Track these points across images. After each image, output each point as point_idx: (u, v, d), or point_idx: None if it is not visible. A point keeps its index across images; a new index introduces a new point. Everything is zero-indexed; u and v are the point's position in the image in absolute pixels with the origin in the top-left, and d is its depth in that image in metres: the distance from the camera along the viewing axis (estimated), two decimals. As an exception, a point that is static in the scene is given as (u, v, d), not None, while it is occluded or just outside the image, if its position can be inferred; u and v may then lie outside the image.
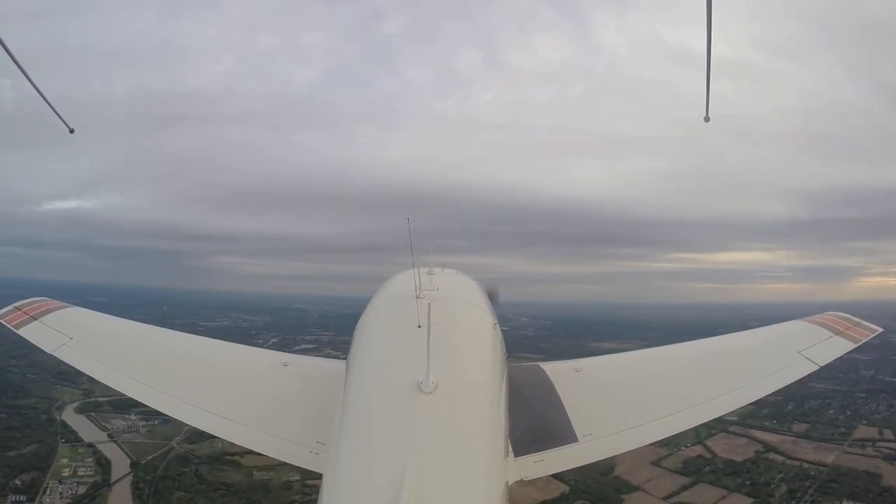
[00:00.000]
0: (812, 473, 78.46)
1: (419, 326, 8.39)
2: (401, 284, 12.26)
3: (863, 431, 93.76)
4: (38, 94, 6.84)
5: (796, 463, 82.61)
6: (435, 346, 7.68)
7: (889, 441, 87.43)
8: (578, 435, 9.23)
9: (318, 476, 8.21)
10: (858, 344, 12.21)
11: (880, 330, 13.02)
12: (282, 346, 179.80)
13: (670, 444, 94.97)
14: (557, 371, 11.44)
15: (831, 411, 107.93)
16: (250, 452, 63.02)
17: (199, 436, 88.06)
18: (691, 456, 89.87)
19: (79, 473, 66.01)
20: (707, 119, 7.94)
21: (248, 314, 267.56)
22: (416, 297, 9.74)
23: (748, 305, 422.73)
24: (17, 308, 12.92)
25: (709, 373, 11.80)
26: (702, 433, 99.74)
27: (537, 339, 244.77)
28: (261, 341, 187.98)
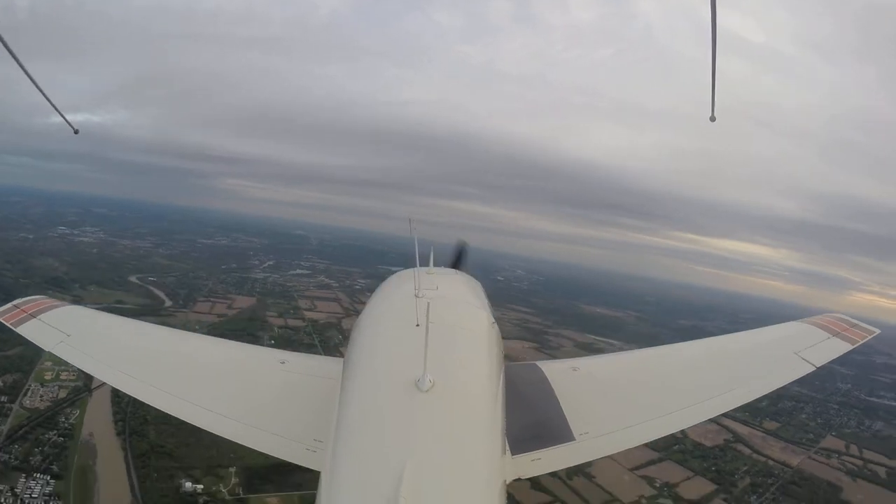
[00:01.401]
0: (776, 472, 79.75)
1: (417, 325, 8.42)
2: (400, 283, 12.21)
3: (831, 441, 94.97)
4: (41, 94, 6.79)
5: (762, 459, 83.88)
6: (433, 344, 7.66)
7: (854, 456, 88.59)
8: (575, 433, 9.23)
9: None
10: (856, 345, 12.01)
11: (878, 331, 12.59)
12: (276, 269, 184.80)
13: None
14: (554, 370, 11.34)
15: (803, 415, 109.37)
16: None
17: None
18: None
19: (61, 377, 66.23)
20: (713, 119, 7.69)
21: (248, 235, 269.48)
22: (416, 296, 9.82)
23: (742, 297, 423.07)
24: (16, 306, 12.86)
25: (705, 373, 11.74)
26: None
27: (530, 293, 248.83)
28: (256, 262, 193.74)
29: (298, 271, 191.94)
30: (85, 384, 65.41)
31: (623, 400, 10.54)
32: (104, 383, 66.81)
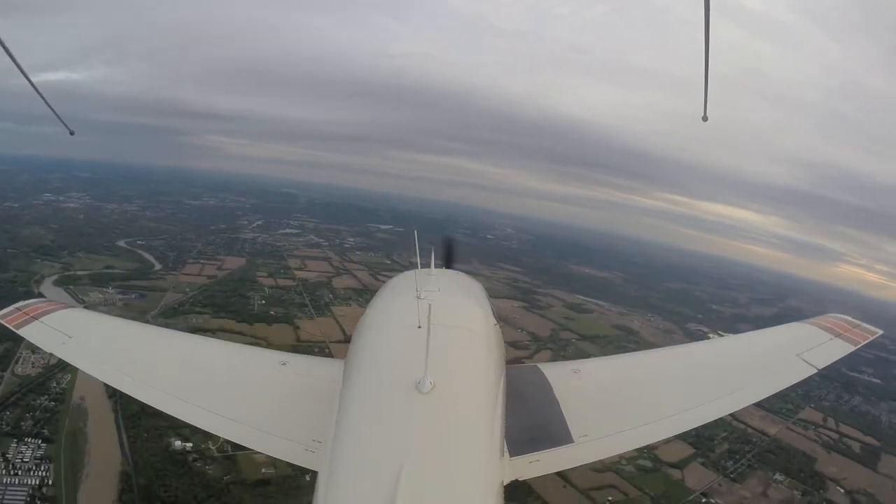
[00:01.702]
0: (754, 440, 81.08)
1: (419, 327, 8.40)
2: (402, 285, 12.06)
3: (809, 413, 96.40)
4: (39, 96, 6.90)
5: (741, 426, 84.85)
6: (434, 346, 7.66)
7: (830, 429, 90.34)
8: (574, 436, 9.17)
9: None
10: (858, 346, 11.98)
11: (880, 332, 12.62)
12: (266, 230, 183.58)
13: None
14: (555, 372, 11.18)
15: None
16: (223, 330, 63.92)
17: (175, 311, 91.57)
18: None
19: (50, 343, 66.09)
20: (705, 119, 7.85)
21: (235, 195, 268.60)
22: (417, 297, 9.77)
23: (730, 262, 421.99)
24: (19, 308, 12.86)
25: (707, 375, 11.62)
26: None
27: (520, 252, 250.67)
28: (245, 222, 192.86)
29: (287, 230, 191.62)
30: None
31: (623, 403, 10.54)
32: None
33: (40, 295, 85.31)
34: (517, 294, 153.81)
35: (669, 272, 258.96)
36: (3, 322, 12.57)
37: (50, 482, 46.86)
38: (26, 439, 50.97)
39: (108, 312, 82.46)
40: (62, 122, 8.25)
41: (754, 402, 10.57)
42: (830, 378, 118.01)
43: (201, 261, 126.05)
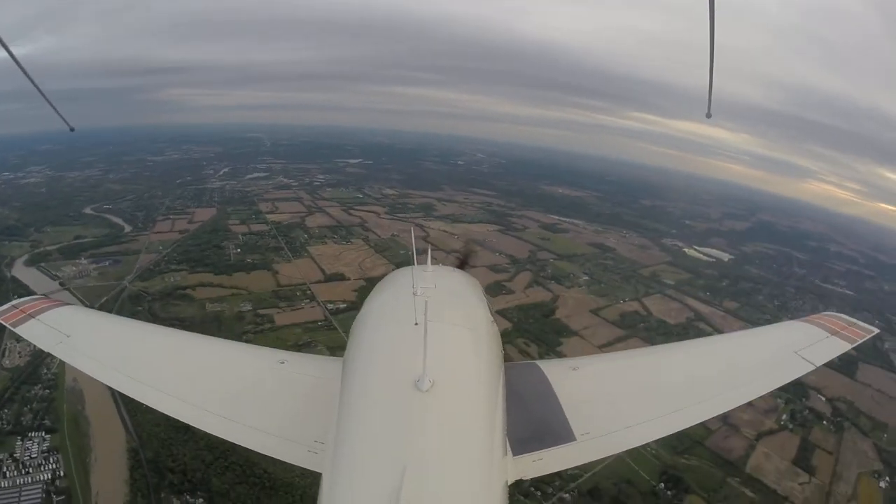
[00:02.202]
0: None
1: (416, 324, 8.26)
2: (398, 282, 11.76)
3: None
4: (39, 93, 6.93)
5: None
6: (432, 344, 7.59)
7: None
8: (576, 434, 9.10)
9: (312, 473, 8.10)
10: (854, 344, 11.99)
11: (876, 331, 12.60)
12: (232, 176, 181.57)
13: (610, 295, 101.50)
14: (554, 370, 11.06)
15: (760, 297, 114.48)
16: (202, 285, 63.37)
17: (151, 272, 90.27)
18: (628, 310, 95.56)
19: (34, 329, 65.06)
20: (709, 115, 7.87)
21: (199, 146, 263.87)
22: (414, 294, 9.73)
23: (702, 179, 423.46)
24: (15, 306, 12.59)
25: (705, 372, 11.47)
26: (640, 290, 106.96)
27: (492, 175, 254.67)
28: (211, 171, 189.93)
29: (255, 175, 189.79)
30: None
31: (624, 400, 10.47)
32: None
33: (13, 280, 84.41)
34: (492, 218, 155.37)
35: (642, 190, 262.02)
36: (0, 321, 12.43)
37: (61, 473, 47.12)
38: (30, 434, 50.87)
39: (82, 285, 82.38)
40: (62, 118, 8.20)
41: (753, 398, 10.58)
42: (805, 289, 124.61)
43: (171, 216, 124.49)
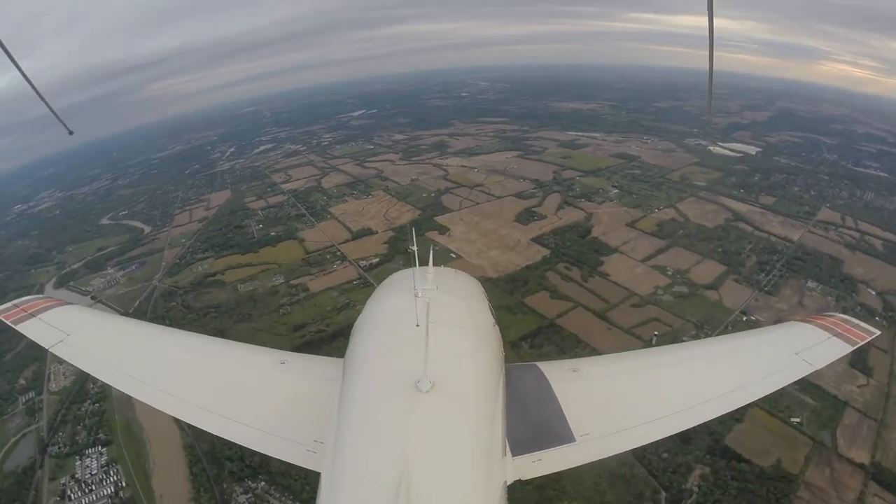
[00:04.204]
0: (779, 248, 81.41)
1: (417, 325, 8.58)
2: (400, 283, 12.08)
3: (826, 214, 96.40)
4: (38, 96, 7.42)
5: (764, 235, 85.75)
6: (433, 345, 7.72)
7: (850, 228, 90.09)
8: (576, 435, 9.12)
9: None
10: (856, 346, 11.55)
11: (878, 333, 12.15)
12: (240, 154, 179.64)
13: (643, 205, 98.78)
14: (555, 371, 10.92)
15: (796, 188, 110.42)
16: (231, 268, 61.77)
17: (178, 266, 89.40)
18: (665, 219, 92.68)
19: (77, 345, 65.24)
20: (709, 123, 9.55)
21: (199, 132, 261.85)
22: (415, 295, 9.62)
23: (713, 73, 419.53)
24: (16, 305, 12.79)
25: (706, 373, 11.32)
26: (673, 196, 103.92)
27: (499, 102, 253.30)
28: (218, 155, 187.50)
29: (262, 148, 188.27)
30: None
31: (623, 401, 10.34)
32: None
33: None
34: (508, 145, 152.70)
35: (655, 93, 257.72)
36: (1, 318, 12.46)
37: (123, 483, 46.72)
38: (87, 451, 50.35)
39: (113, 294, 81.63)
40: (61, 121, 8.29)
41: (753, 400, 10.30)
42: (839, 175, 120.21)
43: (188, 208, 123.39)
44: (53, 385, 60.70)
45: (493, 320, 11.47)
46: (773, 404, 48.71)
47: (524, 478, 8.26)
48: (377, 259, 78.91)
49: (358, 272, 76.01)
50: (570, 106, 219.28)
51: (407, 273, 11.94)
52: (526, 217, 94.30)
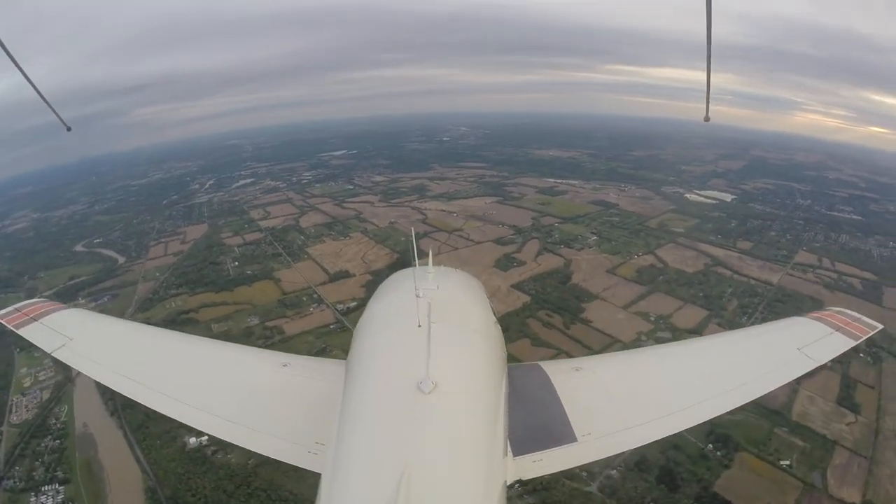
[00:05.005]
0: (760, 291, 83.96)
1: (419, 326, 8.62)
2: (401, 284, 11.91)
3: (803, 256, 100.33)
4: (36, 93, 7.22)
5: (744, 279, 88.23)
6: (435, 345, 7.83)
7: (828, 269, 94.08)
8: (577, 435, 9.00)
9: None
10: (859, 341, 11.65)
11: (881, 327, 12.28)
12: (219, 187, 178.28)
13: (622, 252, 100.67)
14: (557, 370, 10.85)
15: (772, 233, 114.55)
16: (205, 305, 61.51)
17: (151, 301, 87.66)
18: (644, 265, 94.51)
19: (40, 379, 64.77)
20: (707, 119, 8.38)
21: (180, 162, 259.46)
22: (416, 296, 9.73)
23: (690, 123, 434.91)
24: (17, 309, 12.70)
25: (708, 371, 11.22)
26: (652, 243, 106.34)
27: (479, 147, 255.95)
28: (197, 186, 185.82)
29: (241, 182, 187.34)
30: (66, 376, 63.60)
31: (625, 400, 10.19)
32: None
33: (11, 333, 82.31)
34: (488, 190, 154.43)
35: (631, 142, 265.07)
36: (2, 321, 12.37)
37: None
38: (43, 488, 49.02)
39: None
40: (59, 117, 8.26)
41: (757, 396, 10.21)
42: (813, 220, 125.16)
43: (163, 240, 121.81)
44: (15, 417, 59.48)
45: (494, 319, 11.44)
46: (762, 447, 49.73)
47: (525, 478, 8.25)
48: (354, 303, 77.97)
49: (335, 316, 75.33)
50: (549, 153, 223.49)
51: (407, 273, 12.06)
52: (505, 263, 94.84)
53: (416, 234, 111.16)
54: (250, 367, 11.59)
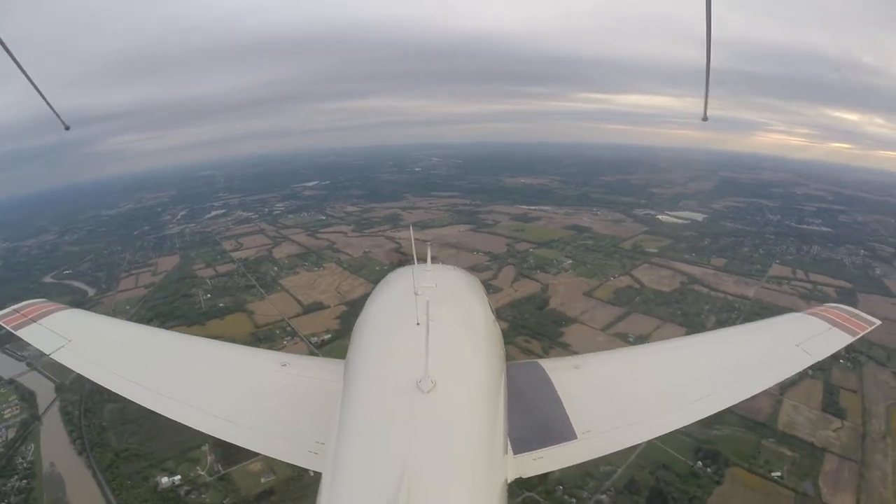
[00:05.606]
0: (737, 305, 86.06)
1: (418, 324, 8.54)
2: (399, 281, 12.00)
3: (777, 269, 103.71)
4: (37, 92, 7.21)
5: (720, 295, 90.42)
6: (433, 343, 7.68)
7: (802, 280, 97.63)
8: (577, 432, 9.12)
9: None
10: (857, 337, 11.88)
11: (879, 322, 12.61)
12: (191, 218, 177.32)
13: (598, 274, 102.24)
14: (556, 368, 10.99)
15: (745, 249, 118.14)
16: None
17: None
18: (621, 286, 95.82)
19: (5, 416, 62.89)
20: (705, 119, 8.53)
21: (152, 192, 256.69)
22: (415, 294, 9.71)
23: (657, 148, 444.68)
24: (16, 310, 12.62)
25: (707, 367, 11.51)
26: (627, 264, 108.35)
27: (451, 177, 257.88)
28: (168, 217, 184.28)
29: (214, 213, 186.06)
30: (32, 414, 62.26)
31: (625, 397, 10.32)
32: (50, 404, 63.85)
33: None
34: (461, 218, 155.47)
35: (601, 168, 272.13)
36: (1, 323, 12.31)
37: None
38: None
39: (49, 362, 77.95)
40: (58, 116, 8.25)
41: (756, 392, 10.39)
42: (784, 234, 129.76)
43: (134, 271, 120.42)
44: (-23, 462, 56.57)
45: (493, 317, 11.45)
46: (752, 461, 50.35)
47: (525, 476, 8.27)
48: (329, 335, 77.75)
49: (308, 349, 74.78)
50: (520, 181, 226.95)
51: (406, 271, 12.12)
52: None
53: (392, 264, 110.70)
54: (250, 367, 11.70)
